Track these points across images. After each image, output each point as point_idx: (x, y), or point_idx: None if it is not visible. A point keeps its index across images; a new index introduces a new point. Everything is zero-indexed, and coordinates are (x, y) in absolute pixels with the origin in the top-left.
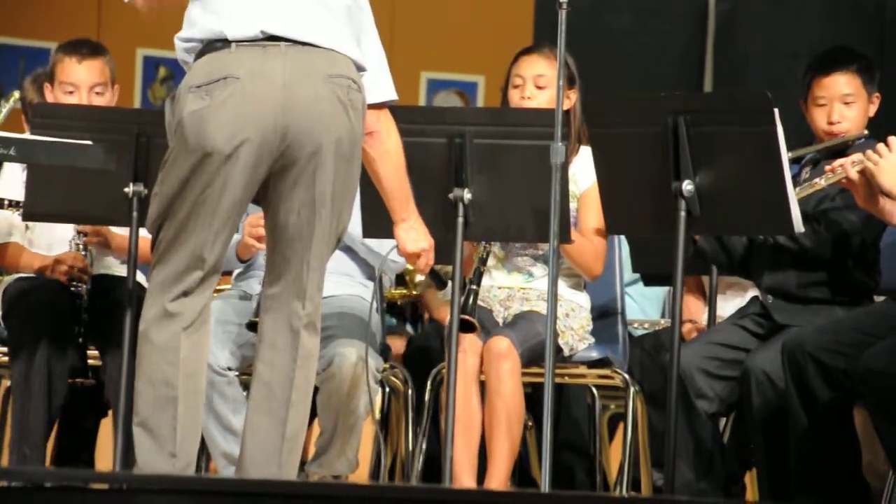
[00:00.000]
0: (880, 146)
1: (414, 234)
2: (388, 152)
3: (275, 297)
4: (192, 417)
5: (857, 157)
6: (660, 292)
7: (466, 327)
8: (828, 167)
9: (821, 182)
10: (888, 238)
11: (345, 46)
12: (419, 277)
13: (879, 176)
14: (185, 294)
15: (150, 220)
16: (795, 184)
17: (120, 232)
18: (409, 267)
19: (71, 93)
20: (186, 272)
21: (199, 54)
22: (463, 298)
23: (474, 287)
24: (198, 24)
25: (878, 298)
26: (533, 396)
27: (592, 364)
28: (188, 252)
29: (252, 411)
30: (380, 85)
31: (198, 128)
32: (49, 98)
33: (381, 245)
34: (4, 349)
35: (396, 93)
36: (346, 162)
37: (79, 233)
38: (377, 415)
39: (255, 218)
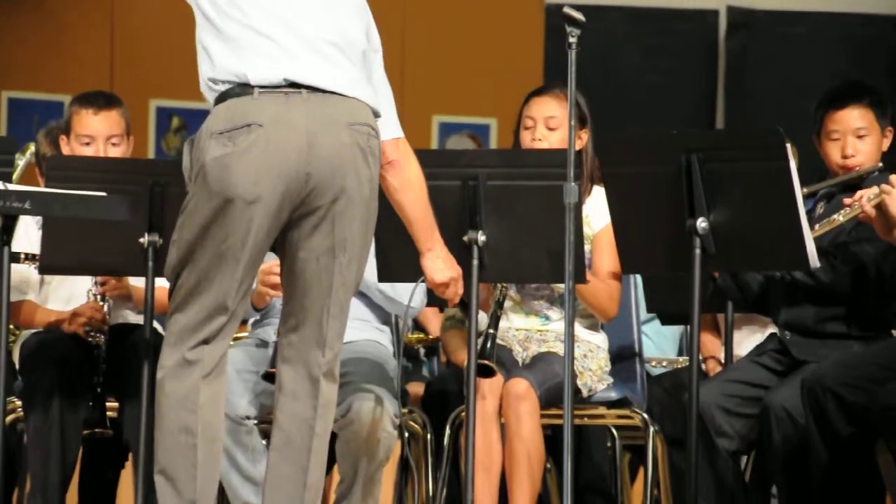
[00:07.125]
0: (894, 177)
1: (441, 264)
2: (410, 181)
3: (293, 346)
4: (211, 464)
5: (872, 190)
6: (675, 330)
7: (485, 372)
8: (846, 201)
9: (839, 218)
10: None
11: (364, 94)
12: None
13: (893, 207)
14: (206, 342)
15: (168, 266)
16: (810, 219)
17: (138, 283)
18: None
19: (87, 144)
20: (208, 320)
21: (221, 97)
22: (481, 343)
23: (492, 331)
24: (218, 62)
25: None
26: (552, 438)
27: (611, 404)
28: (211, 300)
29: (273, 461)
30: (390, 123)
31: (221, 174)
32: (65, 150)
33: (394, 290)
34: (21, 403)
35: (405, 135)
36: (366, 208)
37: (97, 283)
38: (398, 461)
39: (268, 266)
